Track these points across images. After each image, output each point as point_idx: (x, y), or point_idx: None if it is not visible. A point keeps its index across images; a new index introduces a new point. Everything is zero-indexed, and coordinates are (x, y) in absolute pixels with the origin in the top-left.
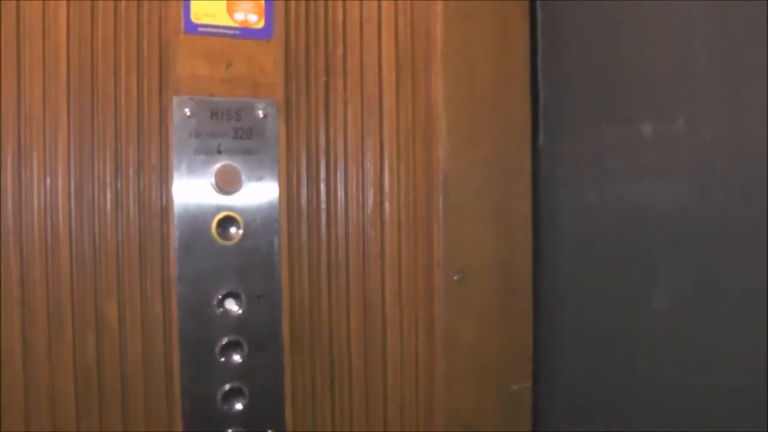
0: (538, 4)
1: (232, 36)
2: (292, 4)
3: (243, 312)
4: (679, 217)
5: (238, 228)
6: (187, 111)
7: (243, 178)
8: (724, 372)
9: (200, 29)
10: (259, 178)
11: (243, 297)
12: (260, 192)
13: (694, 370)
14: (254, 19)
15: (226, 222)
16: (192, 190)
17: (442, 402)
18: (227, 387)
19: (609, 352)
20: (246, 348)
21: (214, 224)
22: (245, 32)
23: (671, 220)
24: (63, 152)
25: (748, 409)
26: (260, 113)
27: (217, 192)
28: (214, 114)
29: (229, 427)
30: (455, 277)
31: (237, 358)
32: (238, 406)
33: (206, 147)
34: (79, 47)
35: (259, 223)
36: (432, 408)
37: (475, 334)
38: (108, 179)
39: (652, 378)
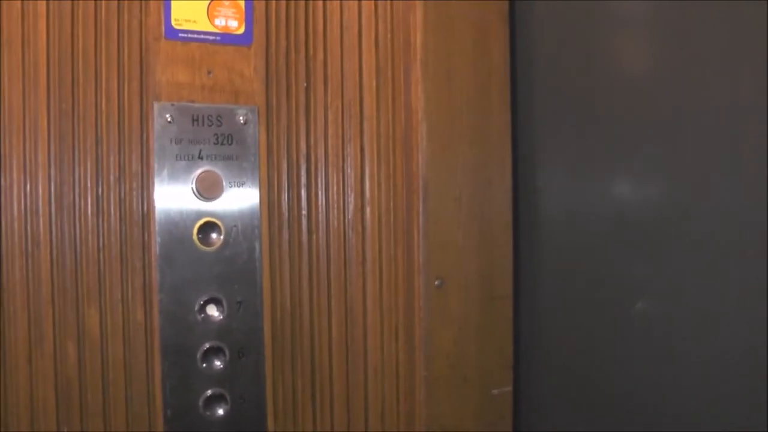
0: (517, 8)
1: (213, 42)
2: (273, 10)
3: (224, 318)
4: (658, 221)
5: (219, 234)
6: (168, 117)
7: (224, 183)
8: (706, 373)
9: (181, 35)
10: (240, 184)
11: (224, 303)
12: (241, 198)
13: (675, 374)
14: (234, 25)
15: (207, 228)
16: (173, 196)
17: (423, 408)
18: (209, 393)
19: (590, 357)
20: (227, 354)
21: (195, 230)
22: (226, 38)
23: (650, 225)
24: (43, 158)
25: (731, 408)
26: (241, 119)
27: (198, 198)
28: (195, 120)
29: None
30: (436, 283)
31: (218, 364)
32: (220, 412)
33: (187, 153)
34: (59, 53)
35: (240, 229)
36: (413, 414)
37: (455, 340)
38: (89, 185)
39: (633, 382)
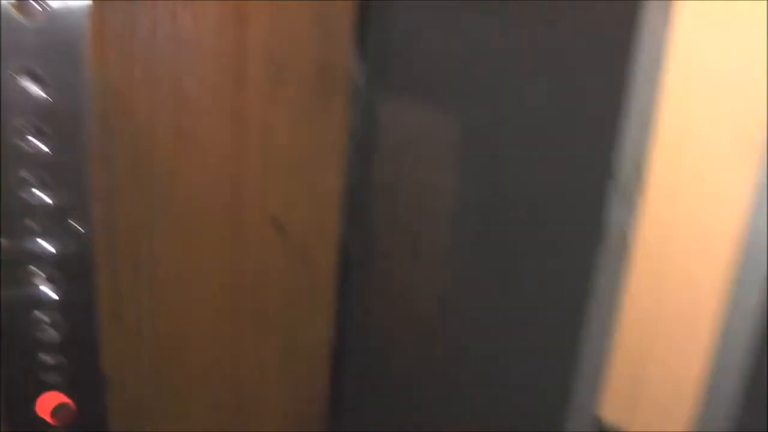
0: None
1: None
2: None
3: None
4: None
5: None
6: None
7: None
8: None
9: None
10: None
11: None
12: None
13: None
14: None
15: None
16: None
17: (254, 196)
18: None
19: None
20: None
21: None
22: None
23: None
24: None
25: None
26: None
27: None
28: None
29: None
30: (272, 69)
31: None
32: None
33: None
34: None
35: None
36: (243, 202)
37: (288, 131)
38: None
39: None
